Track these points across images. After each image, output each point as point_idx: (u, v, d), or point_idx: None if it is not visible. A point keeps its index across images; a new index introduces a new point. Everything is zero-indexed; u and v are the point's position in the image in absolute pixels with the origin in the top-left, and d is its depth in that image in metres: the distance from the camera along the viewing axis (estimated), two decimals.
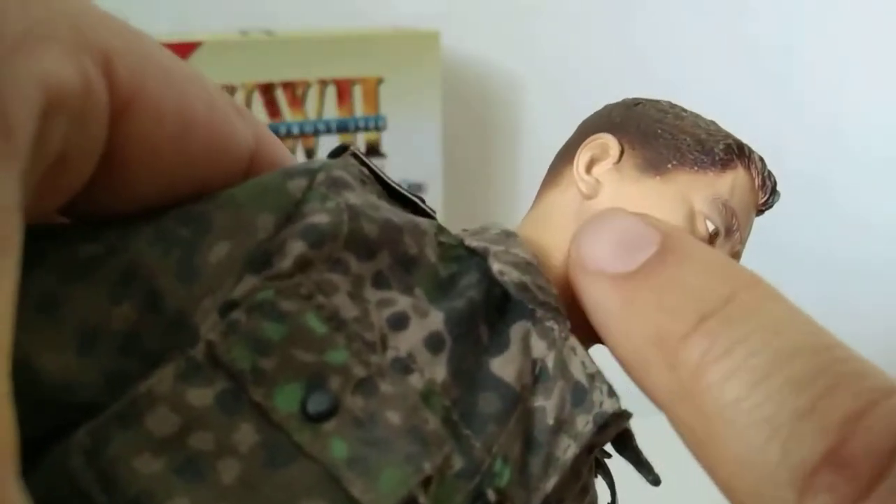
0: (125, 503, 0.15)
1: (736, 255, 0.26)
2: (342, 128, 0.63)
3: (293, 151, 0.62)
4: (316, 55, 0.60)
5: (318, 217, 0.17)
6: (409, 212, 0.20)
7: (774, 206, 0.29)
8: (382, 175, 0.20)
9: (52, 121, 0.14)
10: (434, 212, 0.22)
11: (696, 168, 0.24)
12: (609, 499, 0.27)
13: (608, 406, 0.19)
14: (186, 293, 0.16)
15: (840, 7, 0.72)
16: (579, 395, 0.19)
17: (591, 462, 0.22)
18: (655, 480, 0.26)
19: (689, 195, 0.24)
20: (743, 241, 0.26)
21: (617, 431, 0.22)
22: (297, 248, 0.16)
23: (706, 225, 0.24)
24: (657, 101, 0.27)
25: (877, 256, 0.81)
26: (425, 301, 0.18)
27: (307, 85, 0.60)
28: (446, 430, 0.17)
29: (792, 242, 0.80)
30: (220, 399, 0.16)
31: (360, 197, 0.18)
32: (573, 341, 0.20)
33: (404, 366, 0.17)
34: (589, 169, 0.25)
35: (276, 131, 0.60)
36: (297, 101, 0.60)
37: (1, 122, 0.13)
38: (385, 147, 0.64)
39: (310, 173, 0.18)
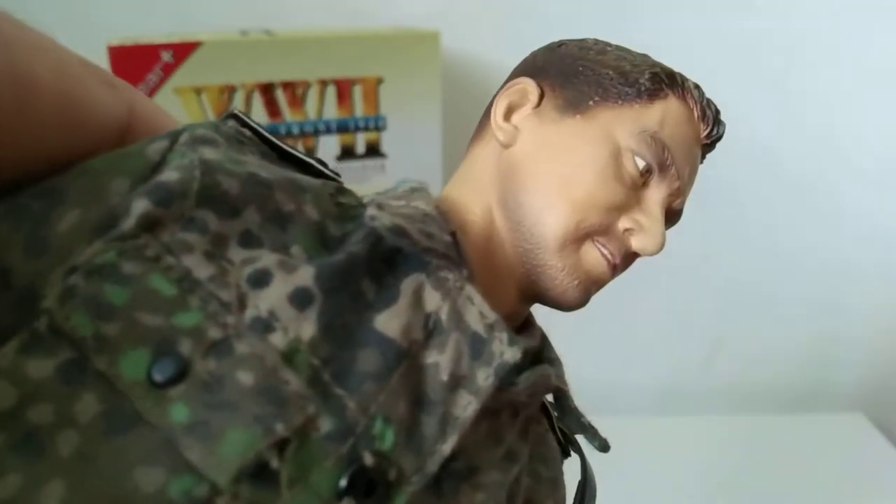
0: None
1: (676, 194, 0.24)
2: (342, 128, 0.63)
3: None
4: (316, 55, 0.60)
5: (167, 175, 0.16)
6: (306, 173, 0.20)
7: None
8: (269, 136, 0.20)
9: None
10: (338, 174, 0.21)
11: (619, 102, 0.23)
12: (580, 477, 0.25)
13: (509, 356, 0.18)
14: (35, 267, 0.15)
15: (838, 6, 0.72)
16: (477, 346, 0.18)
17: (518, 425, 0.20)
18: (603, 446, 0.25)
19: (614, 131, 0.22)
20: (682, 177, 0.24)
21: (547, 391, 0.21)
22: (140, 206, 0.16)
23: (635, 162, 0.22)
24: (582, 40, 0.25)
25: (875, 258, 0.81)
26: (301, 259, 0.17)
27: (307, 85, 0.60)
28: (313, 390, 0.16)
29: (792, 243, 0.80)
30: (62, 370, 0.15)
31: (223, 153, 0.17)
32: (470, 290, 0.18)
33: (265, 324, 0.16)
34: (508, 116, 0.24)
35: (276, 131, 0.60)
36: (297, 101, 0.60)
37: None
38: (385, 147, 0.64)
39: (172, 135, 0.17)
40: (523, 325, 0.24)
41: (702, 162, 0.27)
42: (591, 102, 0.23)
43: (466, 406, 0.17)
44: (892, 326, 0.83)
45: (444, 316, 0.18)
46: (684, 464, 0.71)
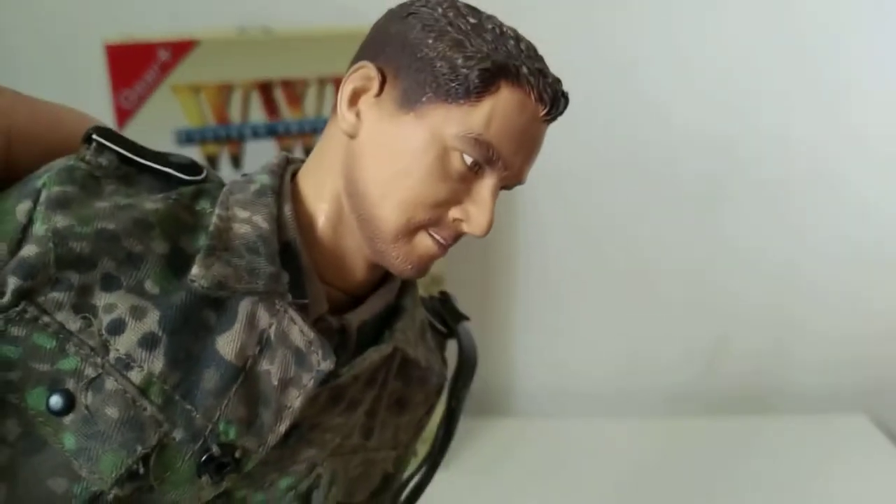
0: None
1: (508, 178, 0.25)
2: None
3: (292, 150, 0.61)
4: (315, 53, 0.59)
5: (27, 250, 0.20)
6: (168, 182, 0.23)
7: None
8: (127, 155, 0.22)
9: None
10: (202, 170, 0.23)
11: (448, 100, 0.23)
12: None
13: (324, 367, 0.22)
14: None
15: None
16: (300, 358, 0.22)
17: (361, 380, 0.25)
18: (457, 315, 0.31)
19: (443, 132, 0.23)
20: (513, 166, 0.24)
21: (376, 367, 0.25)
22: (12, 282, 0.20)
23: (463, 159, 0.24)
24: (432, 10, 0.25)
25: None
26: (151, 297, 0.21)
27: (306, 83, 0.60)
28: (166, 411, 0.21)
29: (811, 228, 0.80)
30: None
31: (72, 215, 0.20)
32: (292, 313, 0.22)
33: (125, 364, 0.21)
34: (354, 101, 0.25)
35: (274, 130, 0.60)
36: (296, 99, 0.60)
37: None
38: None
39: (34, 194, 0.20)
40: (382, 281, 0.27)
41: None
42: (424, 98, 0.24)
43: (295, 399, 0.22)
44: (894, 327, 0.83)
45: (272, 334, 0.22)
46: (685, 464, 0.71)
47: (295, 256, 0.23)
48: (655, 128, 0.74)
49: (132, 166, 0.23)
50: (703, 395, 0.84)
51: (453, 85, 0.23)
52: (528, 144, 0.25)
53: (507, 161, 0.24)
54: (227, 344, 0.22)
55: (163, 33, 0.56)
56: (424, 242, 0.24)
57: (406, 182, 0.23)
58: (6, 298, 0.20)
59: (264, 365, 0.22)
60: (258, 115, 0.59)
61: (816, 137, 0.76)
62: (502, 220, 0.85)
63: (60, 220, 0.20)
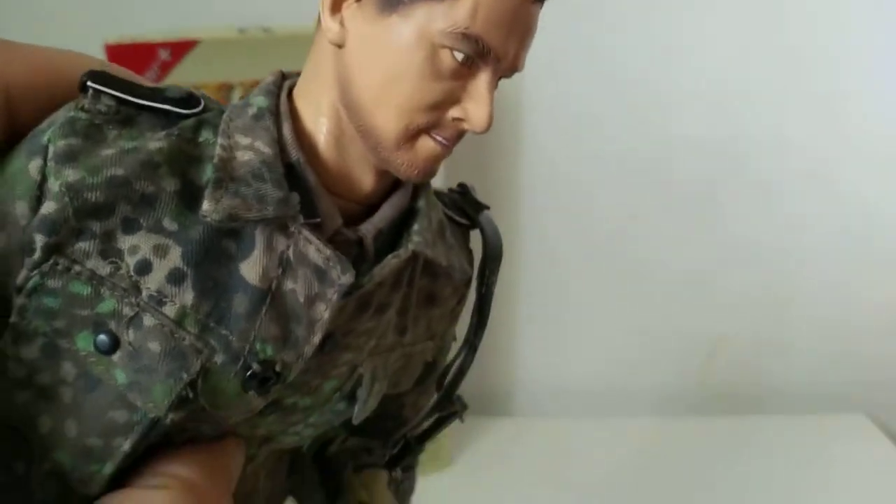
0: (10, 424, 0.22)
1: (505, 68, 0.24)
2: None
3: None
4: None
5: (46, 207, 0.21)
6: (168, 118, 0.23)
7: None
8: (124, 97, 0.23)
9: None
10: (199, 100, 0.24)
11: None
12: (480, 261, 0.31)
13: (345, 280, 0.23)
14: None
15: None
16: (320, 274, 0.23)
17: (387, 284, 0.25)
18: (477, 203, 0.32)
19: (429, 29, 0.23)
20: (507, 55, 0.24)
21: (399, 271, 0.26)
22: (39, 239, 0.21)
23: (454, 56, 0.23)
24: None
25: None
26: (171, 233, 0.22)
27: None
28: (204, 338, 0.22)
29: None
30: (44, 350, 0.22)
31: (81, 167, 0.21)
32: (306, 233, 0.23)
33: (158, 300, 0.22)
34: (337, 8, 0.24)
35: None
36: None
37: None
38: None
39: (43, 150, 0.21)
40: (395, 186, 0.27)
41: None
42: None
43: (323, 312, 0.23)
44: (894, 327, 0.83)
45: (291, 255, 0.23)
46: (685, 465, 0.71)
47: (301, 176, 0.24)
48: (653, 129, 0.74)
49: (131, 107, 0.23)
50: (701, 394, 0.84)
51: None
52: (519, 30, 0.24)
53: (499, 51, 0.23)
54: (251, 269, 0.23)
55: (163, 33, 0.56)
56: (427, 145, 0.24)
57: (399, 87, 0.23)
58: (37, 254, 0.21)
59: (289, 284, 0.23)
60: None
61: (810, 138, 0.76)
62: (503, 221, 0.86)
63: (71, 174, 0.21)
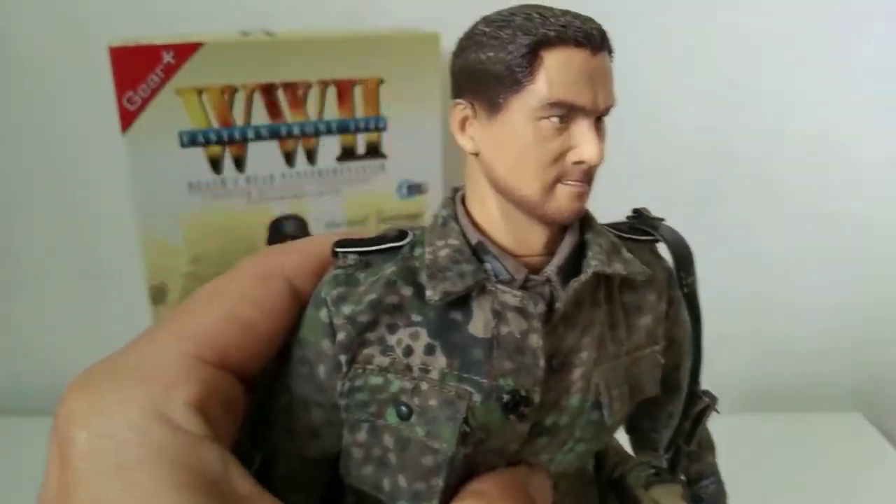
0: (364, 490, 0.31)
1: (595, 111, 0.30)
2: (343, 128, 0.63)
3: (294, 151, 0.62)
4: (317, 56, 0.60)
5: (339, 336, 0.30)
6: (397, 250, 0.31)
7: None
8: (361, 250, 0.31)
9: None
10: (408, 231, 0.32)
11: (515, 89, 0.29)
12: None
13: (539, 310, 0.30)
14: (321, 397, 0.31)
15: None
16: (522, 312, 0.30)
17: (586, 303, 0.31)
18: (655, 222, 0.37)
19: (525, 112, 0.29)
20: (591, 101, 0.29)
21: (586, 285, 0.31)
22: (343, 359, 0.30)
23: (551, 122, 0.29)
24: (471, 34, 0.31)
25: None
26: (418, 322, 0.30)
27: (308, 86, 0.61)
28: (462, 386, 0.29)
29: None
30: (370, 432, 0.30)
31: (351, 302, 0.30)
32: (501, 287, 0.30)
33: (424, 370, 0.30)
34: (464, 129, 0.31)
35: (276, 131, 0.61)
36: (298, 101, 0.61)
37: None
38: (385, 147, 0.65)
39: (324, 303, 0.30)
40: (564, 233, 0.33)
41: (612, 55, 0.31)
42: (500, 100, 0.29)
43: (536, 341, 0.30)
44: (891, 326, 0.83)
45: (497, 307, 0.30)
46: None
47: (486, 250, 0.31)
48: (654, 129, 0.75)
49: (367, 255, 0.32)
50: None
51: (508, 77, 0.29)
52: (591, 81, 0.29)
53: (583, 103, 0.29)
54: (475, 327, 0.30)
55: (167, 36, 0.57)
56: (564, 191, 0.30)
57: (525, 160, 0.29)
58: (343, 368, 0.30)
59: (504, 329, 0.30)
60: (261, 116, 0.60)
61: (813, 139, 0.77)
62: None
63: (346, 310, 0.30)
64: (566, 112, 0.29)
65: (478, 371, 0.30)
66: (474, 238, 0.31)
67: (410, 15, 0.70)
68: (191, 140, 0.58)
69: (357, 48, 0.61)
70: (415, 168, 0.66)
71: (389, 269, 0.31)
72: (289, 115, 0.61)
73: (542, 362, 0.30)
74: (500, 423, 0.30)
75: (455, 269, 0.30)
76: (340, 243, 0.32)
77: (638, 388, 0.34)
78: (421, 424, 0.29)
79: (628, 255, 0.34)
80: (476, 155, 0.31)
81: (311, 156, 0.63)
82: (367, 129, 0.64)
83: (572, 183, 0.30)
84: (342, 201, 0.64)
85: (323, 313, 0.30)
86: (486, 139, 0.30)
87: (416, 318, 0.30)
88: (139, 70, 0.55)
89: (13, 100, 0.74)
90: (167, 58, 0.56)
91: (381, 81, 0.63)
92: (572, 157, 0.29)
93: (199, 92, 0.57)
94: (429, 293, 0.29)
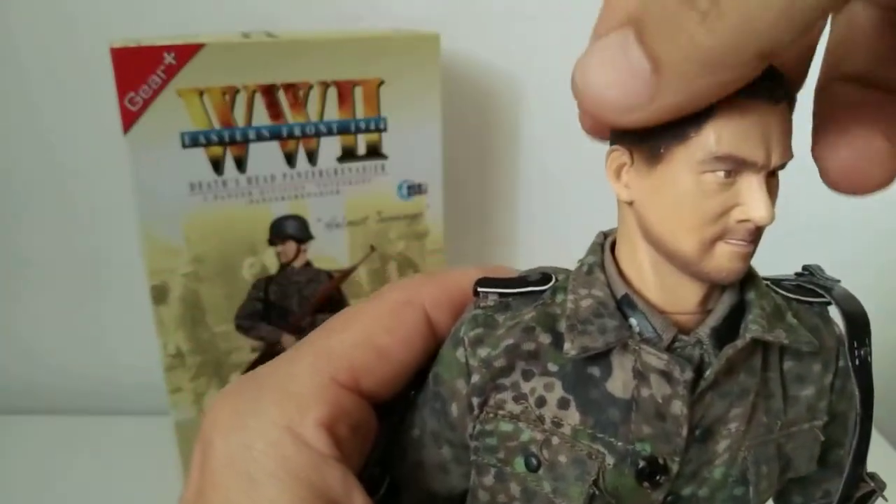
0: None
1: (767, 166, 0.27)
2: (343, 129, 0.63)
3: (295, 152, 0.62)
4: (317, 57, 0.60)
5: (474, 378, 0.29)
6: (538, 291, 0.30)
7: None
8: (504, 291, 0.30)
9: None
10: (551, 276, 0.31)
11: (679, 139, 0.26)
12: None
13: (686, 376, 0.28)
14: (455, 437, 0.31)
15: None
16: (667, 377, 0.28)
17: (739, 371, 0.29)
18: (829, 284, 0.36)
19: (688, 164, 0.26)
20: (762, 158, 0.26)
21: (738, 354, 0.29)
22: (475, 401, 0.29)
23: (716, 176, 0.26)
24: None
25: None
26: (553, 373, 0.29)
27: (309, 87, 0.61)
28: (595, 446, 0.28)
29: None
30: (496, 477, 0.29)
31: (487, 346, 0.29)
32: (645, 347, 0.28)
33: (557, 424, 0.28)
34: (619, 176, 0.29)
35: (277, 133, 0.61)
36: (299, 102, 0.61)
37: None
38: (385, 148, 0.65)
39: (462, 342, 0.30)
40: (723, 290, 0.31)
41: (793, 104, 0.28)
42: (661, 150, 0.27)
43: (679, 409, 0.28)
44: (891, 326, 0.84)
45: (640, 367, 0.28)
46: None
47: (632, 305, 0.29)
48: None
49: (507, 297, 0.31)
50: None
51: (673, 127, 0.26)
52: (765, 136, 0.26)
53: (752, 159, 0.26)
54: (614, 385, 0.28)
55: (168, 37, 0.57)
56: (724, 250, 0.27)
57: (682, 214, 0.27)
58: (475, 411, 0.29)
59: (645, 391, 0.28)
60: (262, 117, 0.60)
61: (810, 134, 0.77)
62: (503, 220, 0.86)
63: (482, 352, 0.29)
64: (732, 168, 0.26)
65: (613, 433, 0.28)
66: (620, 291, 0.29)
67: (410, 15, 0.70)
68: (192, 141, 0.59)
69: (357, 49, 0.61)
70: (415, 168, 0.66)
71: (529, 314, 0.30)
72: (290, 116, 0.61)
73: (684, 431, 0.28)
74: (631, 490, 0.28)
75: (597, 323, 0.28)
76: (482, 282, 0.31)
77: (790, 467, 0.32)
78: (549, 479, 0.28)
79: (793, 321, 0.31)
80: (630, 204, 0.29)
81: (311, 156, 0.63)
82: (367, 130, 0.64)
83: (735, 242, 0.27)
84: (342, 201, 0.64)
85: (460, 353, 0.30)
86: (642, 189, 0.28)
87: (551, 367, 0.29)
88: (141, 71, 0.56)
89: (15, 100, 0.74)
90: (169, 59, 0.56)
91: (381, 82, 0.63)
92: (738, 214, 0.27)
93: (201, 93, 0.58)
94: (566, 346, 0.28)
